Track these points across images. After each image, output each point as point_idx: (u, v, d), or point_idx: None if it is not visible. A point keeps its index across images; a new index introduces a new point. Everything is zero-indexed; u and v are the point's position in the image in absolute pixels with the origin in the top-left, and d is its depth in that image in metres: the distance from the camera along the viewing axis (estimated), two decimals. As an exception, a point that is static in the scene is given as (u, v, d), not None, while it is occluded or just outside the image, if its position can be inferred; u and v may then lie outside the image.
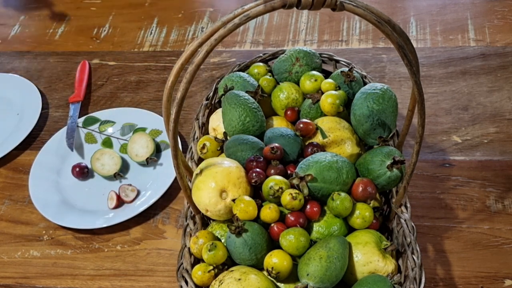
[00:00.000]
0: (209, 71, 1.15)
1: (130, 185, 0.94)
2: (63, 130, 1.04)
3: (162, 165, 0.98)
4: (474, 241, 0.84)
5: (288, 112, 0.84)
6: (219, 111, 0.85)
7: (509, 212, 0.86)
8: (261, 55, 0.94)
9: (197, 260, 0.72)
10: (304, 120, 0.79)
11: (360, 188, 0.71)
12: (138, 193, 0.94)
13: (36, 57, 1.24)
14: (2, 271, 0.89)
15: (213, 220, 0.76)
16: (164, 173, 0.96)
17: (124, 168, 0.99)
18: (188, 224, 0.75)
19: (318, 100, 0.82)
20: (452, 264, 0.82)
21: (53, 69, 1.21)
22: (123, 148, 1.02)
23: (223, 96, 0.82)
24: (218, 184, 0.70)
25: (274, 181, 0.70)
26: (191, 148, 0.84)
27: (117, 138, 1.04)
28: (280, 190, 0.69)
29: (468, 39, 1.13)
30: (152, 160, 0.97)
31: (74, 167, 0.98)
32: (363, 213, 0.70)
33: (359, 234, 0.71)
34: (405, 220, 0.72)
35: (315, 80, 0.85)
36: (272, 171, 0.73)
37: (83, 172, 0.97)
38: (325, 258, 0.65)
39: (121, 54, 1.21)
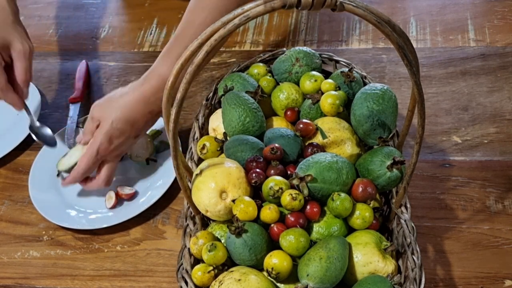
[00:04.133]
0: (209, 71, 1.14)
1: (130, 188, 0.94)
2: (63, 131, 1.04)
3: (162, 165, 0.97)
4: (474, 241, 0.84)
5: (288, 113, 0.84)
6: (219, 112, 0.85)
7: (509, 212, 0.86)
8: (261, 55, 0.94)
9: (197, 261, 0.72)
10: (304, 120, 0.79)
11: (360, 189, 0.71)
12: (136, 193, 0.94)
13: (36, 57, 1.24)
14: (2, 271, 0.89)
15: (213, 220, 0.75)
16: (164, 173, 0.96)
17: (124, 168, 0.99)
18: (188, 225, 0.75)
19: (318, 101, 0.82)
20: (452, 265, 0.82)
21: (53, 69, 1.21)
22: (123, 149, 1.02)
23: (223, 97, 0.82)
24: (218, 184, 0.70)
25: (274, 181, 0.70)
26: (191, 148, 0.84)
27: (117, 138, 1.03)
28: (280, 190, 0.69)
29: (468, 39, 1.13)
30: (152, 161, 0.97)
31: None
32: (363, 213, 0.70)
33: (359, 234, 0.70)
34: (405, 221, 0.72)
35: (315, 81, 0.85)
36: (272, 171, 0.72)
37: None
38: (325, 259, 0.65)
39: (121, 54, 1.21)
